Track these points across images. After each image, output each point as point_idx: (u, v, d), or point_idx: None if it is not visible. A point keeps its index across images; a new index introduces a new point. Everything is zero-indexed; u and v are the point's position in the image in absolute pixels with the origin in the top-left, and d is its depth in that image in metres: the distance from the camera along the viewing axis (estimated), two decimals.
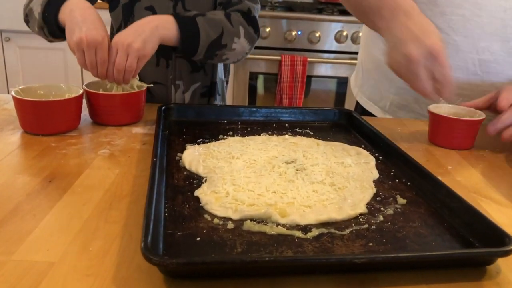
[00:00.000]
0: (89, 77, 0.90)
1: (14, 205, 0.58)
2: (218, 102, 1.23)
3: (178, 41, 0.97)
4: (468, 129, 0.88)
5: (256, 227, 0.55)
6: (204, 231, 0.54)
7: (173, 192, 0.63)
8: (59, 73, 2.48)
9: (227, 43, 1.02)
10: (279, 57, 2.39)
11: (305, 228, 0.55)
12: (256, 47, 2.59)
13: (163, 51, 1.09)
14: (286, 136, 0.87)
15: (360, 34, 2.18)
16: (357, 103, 1.24)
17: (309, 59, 2.39)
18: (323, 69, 2.49)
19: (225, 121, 0.93)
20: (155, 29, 0.91)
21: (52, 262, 0.47)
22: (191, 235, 0.53)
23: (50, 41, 1.01)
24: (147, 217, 0.50)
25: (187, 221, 0.56)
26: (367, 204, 0.62)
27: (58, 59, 2.45)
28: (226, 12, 1.04)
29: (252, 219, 0.56)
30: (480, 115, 0.88)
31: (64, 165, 0.71)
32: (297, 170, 0.70)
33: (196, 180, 0.67)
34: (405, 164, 0.74)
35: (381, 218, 0.59)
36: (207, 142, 0.82)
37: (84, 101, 0.88)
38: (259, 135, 0.87)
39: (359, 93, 1.23)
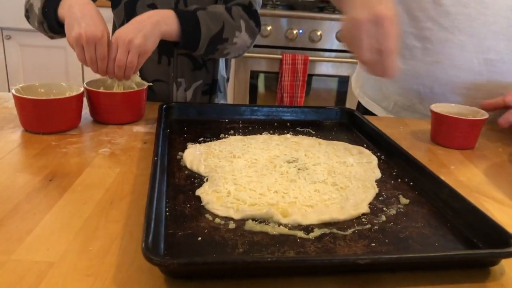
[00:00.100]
0: (90, 76, 0.90)
1: (14, 204, 0.58)
2: (220, 99, 1.23)
3: (179, 36, 0.96)
4: (471, 129, 0.88)
5: (257, 227, 0.54)
6: (206, 231, 0.53)
7: (174, 191, 0.63)
8: (60, 71, 2.48)
9: (228, 37, 1.01)
10: (280, 56, 2.38)
11: (307, 228, 0.55)
12: (257, 46, 2.58)
13: (165, 49, 1.09)
14: (288, 135, 0.86)
15: None
16: (359, 102, 1.24)
17: (310, 58, 2.38)
18: (324, 68, 2.48)
19: (227, 120, 0.93)
20: (156, 24, 0.90)
21: (52, 262, 0.47)
22: (192, 235, 0.52)
23: (51, 37, 1.01)
24: (148, 217, 0.50)
25: (188, 221, 0.55)
26: (370, 204, 0.62)
27: (59, 57, 2.44)
28: (226, 6, 1.03)
29: (253, 219, 0.56)
30: (483, 115, 0.88)
31: (64, 163, 0.71)
32: (298, 169, 0.70)
33: (197, 180, 0.67)
34: (408, 164, 0.73)
35: (384, 218, 0.58)
36: (208, 141, 0.81)
37: (84, 99, 0.88)
38: (261, 134, 0.86)
39: (360, 93, 1.22)
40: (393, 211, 0.60)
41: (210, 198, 0.60)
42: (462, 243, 0.54)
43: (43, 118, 0.80)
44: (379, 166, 0.75)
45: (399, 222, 0.58)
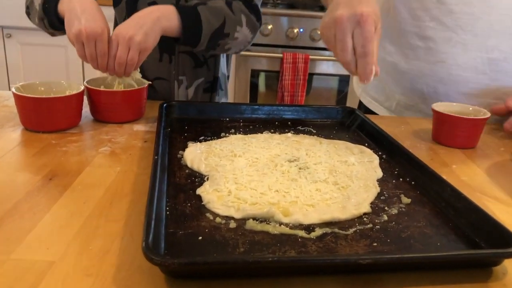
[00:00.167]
0: (91, 74, 0.90)
1: (13, 203, 0.57)
2: (221, 97, 1.23)
3: (180, 32, 0.95)
4: (473, 128, 0.87)
5: (258, 226, 0.54)
6: (206, 230, 0.53)
7: (174, 190, 0.62)
8: (61, 69, 2.48)
9: (229, 32, 1.00)
10: (280, 55, 2.38)
11: (309, 228, 0.55)
12: (258, 45, 2.58)
13: (166, 46, 1.08)
14: (289, 134, 0.86)
15: None
16: (360, 102, 1.23)
17: (311, 57, 2.38)
18: (325, 67, 2.48)
19: (227, 119, 0.92)
20: (157, 20, 0.89)
21: (52, 262, 0.47)
22: (193, 234, 0.52)
23: (51, 33, 1.00)
24: (148, 216, 0.49)
25: (189, 220, 0.55)
26: (371, 203, 0.61)
27: (60, 55, 2.44)
28: (227, 1, 1.02)
29: (254, 218, 0.56)
30: (485, 114, 0.87)
31: (64, 162, 0.70)
32: (300, 168, 0.70)
33: (198, 178, 0.66)
34: (409, 163, 0.73)
35: (385, 217, 0.58)
36: (209, 140, 0.81)
37: (85, 98, 0.88)
38: (262, 133, 0.86)
39: (362, 93, 1.21)
40: (394, 211, 0.60)
41: (211, 197, 0.59)
42: (464, 243, 0.54)
43: (43, 116, 0.80)
44: (381, 165, 0.74)
45: (401, 222, 0.57)
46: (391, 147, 0.79)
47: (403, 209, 0.61)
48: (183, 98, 1.15)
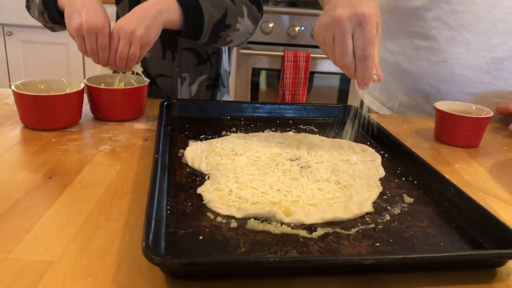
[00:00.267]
0: (91, 72, 0.89)
1: (12, 201, 0.57)
2: (223, 93, 1.22)
3: (182, 25, 0.94)
4: (476, 127, 0.87)
5: (260, 226, 0.54)
6: (207, 229, 0.53)
7: (175, 189, 0.62)
8: (61, 67, 2.47)
9: (231, 23, 0.99)
10: (282, 53, 2.37)
11: (310, 228, 0.54)
12: (259, 43, 2.57)
13: (169, 44, 1.07)
14: (290, 132, 0.85)
15: None
16: (362, 101, 1.23)
17: (312, 55, 2.37)
18: (326, 65, 2.47)
19: (228, 117, 0.92)
20: (158, 14, 0.88)
21: (51, 261, 0.46)
22: (193, 233, 0.52)
23: (51, 28, 0.99)
24: (148, 215, 0.49)
25: (190, 219, 0.54)
26: (374, 203, 0.61)
27: (60, 53, 2.43)
28: None
29: (255, 218, 0.55)
30: (488, 113, 0.87)
31: (64, 161, 0.70)
32: (301, 167, 0.69)
33: (198, 177, 0.66)
34: (412, 162, 0.72)
35: (388, 217, 0.58)
36: (209, 139, 0.80)
37: (85, 96, 0.87)
38: (263, 131, 0.85)
39: (365, 93, 1.21)
40: (397, 210, 0.59)
41: (212, 197, 0.59)
42: (467, 243, 0.53)
43: (43, 114, 0.80)
44: (383, 164, 0.74)
45: (404, 222, 0.57)
46: (394, 146, 0.79)
47: (406, 209, 0.60)
48: (186, 95, 1.14)
